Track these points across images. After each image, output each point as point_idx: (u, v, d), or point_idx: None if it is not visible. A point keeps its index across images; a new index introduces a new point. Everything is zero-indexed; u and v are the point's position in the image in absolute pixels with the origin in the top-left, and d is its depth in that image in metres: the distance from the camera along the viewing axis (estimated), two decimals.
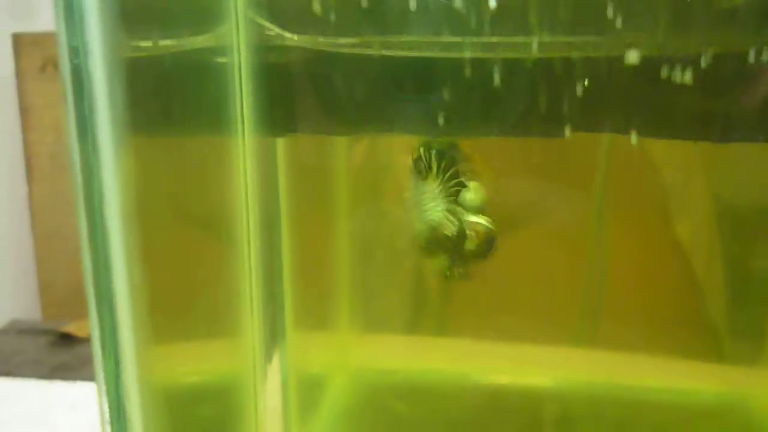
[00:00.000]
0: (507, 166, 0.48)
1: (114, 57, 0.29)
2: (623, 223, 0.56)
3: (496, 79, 0.38)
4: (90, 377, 0.35)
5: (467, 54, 0.38)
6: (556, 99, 0.38)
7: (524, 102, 0.38)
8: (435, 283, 0.64)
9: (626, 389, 0.61)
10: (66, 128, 0.31)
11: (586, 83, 0.37)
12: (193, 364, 0.44)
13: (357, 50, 0.41)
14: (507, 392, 0.64)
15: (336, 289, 0.62)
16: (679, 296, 0.59)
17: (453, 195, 0.44)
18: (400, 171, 0.51)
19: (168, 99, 0.38)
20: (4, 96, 1.19)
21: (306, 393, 0.59)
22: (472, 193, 0.45)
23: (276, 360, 0.51)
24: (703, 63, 0.35)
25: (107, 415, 0.34)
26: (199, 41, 0.40)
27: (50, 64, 1.16)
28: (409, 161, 0.45)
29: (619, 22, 0.36)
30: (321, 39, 0.41)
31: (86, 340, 1.01)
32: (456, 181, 0.44)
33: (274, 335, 0.50)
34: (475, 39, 0.38)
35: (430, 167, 0.44)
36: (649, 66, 0.36)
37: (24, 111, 1.20)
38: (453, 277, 0.47)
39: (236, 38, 0.41)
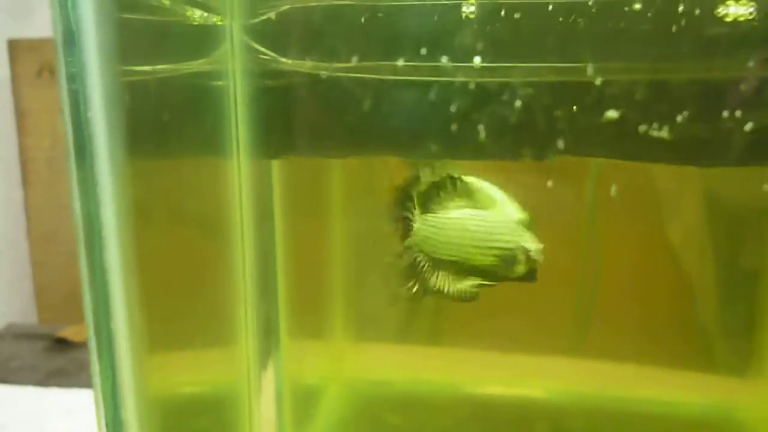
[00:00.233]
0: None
1: (111, 82, 0.30)
2: (614, 237, 0.57)
3: (491, 103, 0.38)
4: (86, 383, 0.36)
5: (459, 79, 0.38)
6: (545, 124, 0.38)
7: (518, 125, 0.39)
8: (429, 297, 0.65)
9: (619, 401, 0.62)
10: (64, 148, 0.32)
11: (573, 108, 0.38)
12: (189, 374, 0.44)
13: (351, 75, 0.41)
14: (501, 403, 0.64)
15: (331, 301, 0.62)
16: (670, 309, 0.60)
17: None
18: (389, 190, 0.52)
19: (165, 122, 0.39)
20: (0, 101, 1.20)
21: (301, 403, 0.59)
22: (525, 216, 0.42)
23: (270, 371, 0.52)
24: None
25: (104, 424, 0.35)
26: (196, 66, 0.41)
27: (46, 69, 1.16)
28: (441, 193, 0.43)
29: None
30: (315, 64, 0.42)
31: (82, 345, 1.01)
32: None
33: (268, 346, 0.51)
34: (467, 64, 0.39)
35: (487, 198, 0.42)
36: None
37: (20, 115, 1.21)
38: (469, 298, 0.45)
39: (232, 63, 0.41)
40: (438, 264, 0.41)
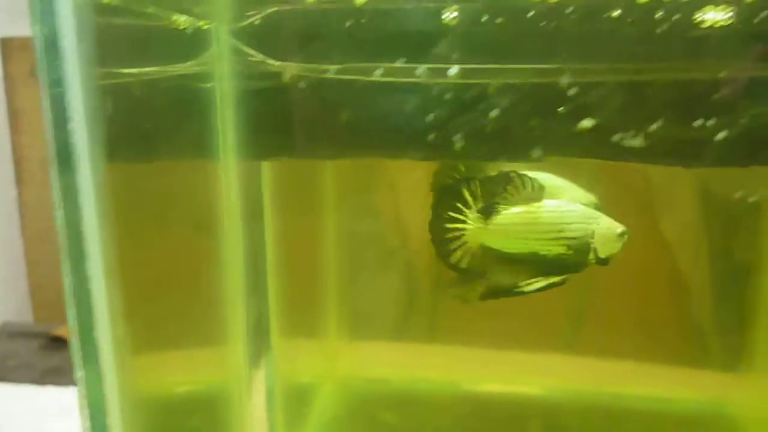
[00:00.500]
0: None
1: (93, 87, 0.30)
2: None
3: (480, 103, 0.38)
4: None
5: (451, 80, 0.38)
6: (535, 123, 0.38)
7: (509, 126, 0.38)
8: (425, 292, 0.65)
9: (613, 397, 0.62)
10: (48, 154, 0.32)
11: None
12: (180, 375, 0.44)
13: (340, 76, 0.41)
14: (496, 401, 0.65)
15: (324, 300, 0.62)
16: (662, 307, 0.60)
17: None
18: (387, 189, 0.52)
19: (152, 125, 0.39)
20: None
21: (294, 402, 0.60)
22: (595, 199, 0.41)
23: (262, 370, 0.52)
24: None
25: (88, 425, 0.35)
26: (183, 69, 0.40)
27: None
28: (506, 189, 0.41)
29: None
30: (305, 65, 0.41)
31: None
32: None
33: (259, 346, 0.51)
34: (456, 66, 0.38)
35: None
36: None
37: (13, 114, 1.20)
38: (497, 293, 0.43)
39: (219, 65, 0.41)
40: (503, 261, 0.40)
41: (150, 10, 0.38)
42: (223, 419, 0.49)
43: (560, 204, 0.40)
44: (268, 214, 0.51)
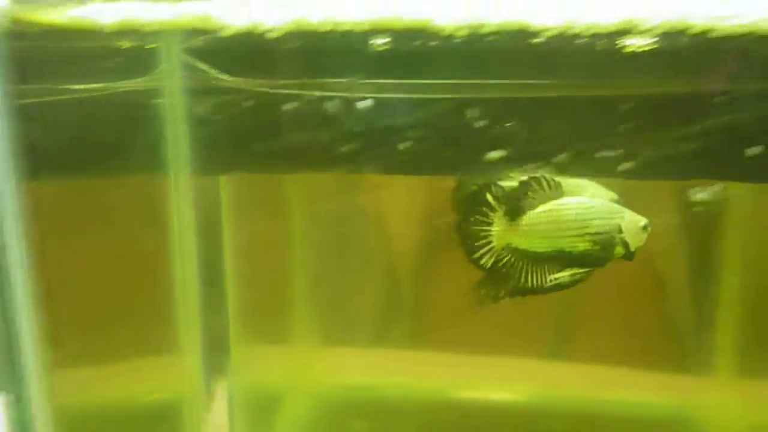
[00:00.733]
0: None
1: (11, 105, 0.31)
2: None
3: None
4: None
5: (401, 95, 0.40)
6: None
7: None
8: (401, 296, 0.65)
9: (580, 402, 0.62)
10: None
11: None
12: (127, 389, 0.45)
13: (294, 92, 0.41)
14: (473, 407, 0.64)
15: (289, 309, 0.62)
16: (626, 312, 0.59)
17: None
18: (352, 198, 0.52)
19: (92, 141, 0.39)
20: None
21: (259, 412, 0.60)
22: (615, 196, 0.42)
23: (221, 381, 0.52)
24: None
25: None
26: (133, 84, 0.41)
27: None
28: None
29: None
30: (258, 81, 0.42)
31: None
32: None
33: (217, 357, 0.51)
34: (405, 82, 0.40)
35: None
36: None
37: None
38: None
39: (171, 81, 0.42)
40: (530, 259, 0.41)
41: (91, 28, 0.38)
42: (180, 430, 0.49)
43: (583, 201, 0.41)
44: (228, 227, 0.52)
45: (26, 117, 0.33)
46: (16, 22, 0.36)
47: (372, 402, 0.65)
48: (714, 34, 0.36)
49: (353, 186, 0.57)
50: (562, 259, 0.41)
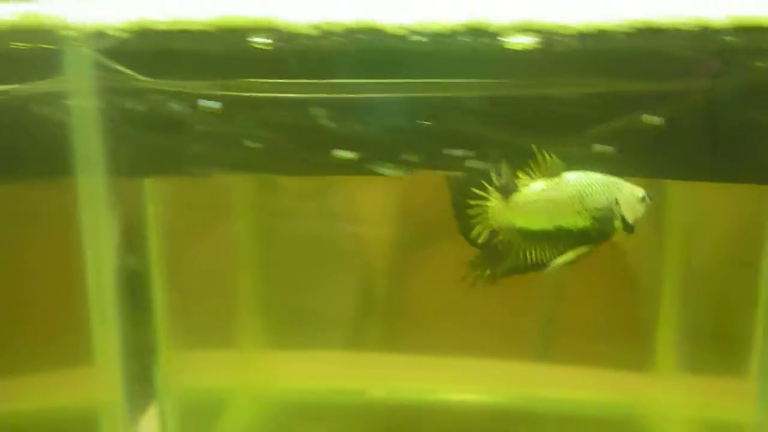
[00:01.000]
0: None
1: None
2: None
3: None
4: None
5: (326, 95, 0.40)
6: None
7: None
8: (336, 300, 0.64)
9: (522, 400, 0.62)
10: None
11: None
12: (39, 401, 0.44)
13: (212, 92, 0.41)
14: (423, 409, 0.64)
15: (229, 307, 0.61)
16: (570, 309, 0.59)
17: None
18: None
19: None
20: None
21: (195, 418, 0.59)
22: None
23: (149, 389, 0.51)
24: None
25: None
26: (40, 87, 0.40)
27: None
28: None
29: None
30: (176, 82, 0.41)
31: None
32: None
33: (143, 365, 0.50)
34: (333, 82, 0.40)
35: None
36: None
37: None
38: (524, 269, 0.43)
39: (82, 82, 0.41)
40: (528, 237, 0.41)
41: None
42: None
43: (580, 175, 0.41)
44: (156, 230, 0.51)
45: None
46: None
47: (319, 407, 0.64)
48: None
49: (288, 185, 0.56)
50: (561, 236, 0.41)
